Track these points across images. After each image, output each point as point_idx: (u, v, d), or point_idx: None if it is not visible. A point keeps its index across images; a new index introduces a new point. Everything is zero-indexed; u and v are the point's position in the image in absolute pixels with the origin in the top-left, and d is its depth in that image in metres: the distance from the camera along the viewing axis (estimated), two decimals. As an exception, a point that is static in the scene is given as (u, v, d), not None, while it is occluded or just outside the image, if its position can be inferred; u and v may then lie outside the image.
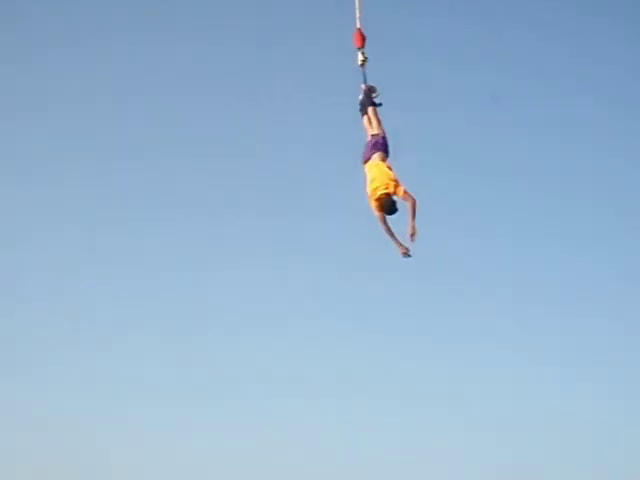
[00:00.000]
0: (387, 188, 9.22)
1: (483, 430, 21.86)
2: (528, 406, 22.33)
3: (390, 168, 9.44)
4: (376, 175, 9.33)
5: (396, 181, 9.27)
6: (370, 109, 9.91)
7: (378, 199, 9.30)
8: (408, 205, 9.18)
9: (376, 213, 9.48)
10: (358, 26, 10.51)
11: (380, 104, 10.01)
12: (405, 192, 9.21)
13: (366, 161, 9.65)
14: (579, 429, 22.04)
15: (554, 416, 21.86)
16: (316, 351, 22.67)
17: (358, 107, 10.18)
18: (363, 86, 10.21)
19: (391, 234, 9.47)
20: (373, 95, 10.16)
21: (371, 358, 22.42)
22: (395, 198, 9.32)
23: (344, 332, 22.84)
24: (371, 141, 9.66)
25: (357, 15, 10.62)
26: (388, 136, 9.66)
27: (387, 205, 9.36)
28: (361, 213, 9.71)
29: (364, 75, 10.41)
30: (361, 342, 22.73)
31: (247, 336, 23.36)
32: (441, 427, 21.98)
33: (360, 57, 10.42)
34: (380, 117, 9.88)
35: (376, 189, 9.27)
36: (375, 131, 9.72)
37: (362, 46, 10.45)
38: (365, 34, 10.54)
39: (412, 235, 9.20)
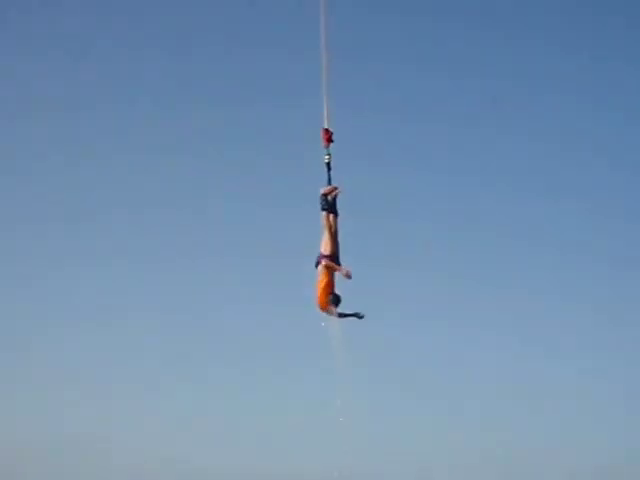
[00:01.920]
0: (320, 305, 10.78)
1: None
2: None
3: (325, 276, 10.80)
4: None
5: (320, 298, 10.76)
6: (324, 215, 11.08)
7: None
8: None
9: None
10: (325, 125, 11.56)
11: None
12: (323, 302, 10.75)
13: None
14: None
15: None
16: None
17: (320, 203, 11.30)
18: (321, 190, 11.33)
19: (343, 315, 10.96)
20: (330, 197, 11.23)
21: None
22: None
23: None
24: (318, 256, 10.91)
25: (325, 114, 11.63)
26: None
27: (335, 302, 10.83)
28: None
29: (329, 174, 11.49)
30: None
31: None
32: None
33: (325, 157, 11.49)
34: (335, 228, 11.06)
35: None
36: (322, 248, 10.84)
37: (327, 146, 11.52)
38: (332, 132, 11.61)
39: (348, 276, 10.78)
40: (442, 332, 25.93)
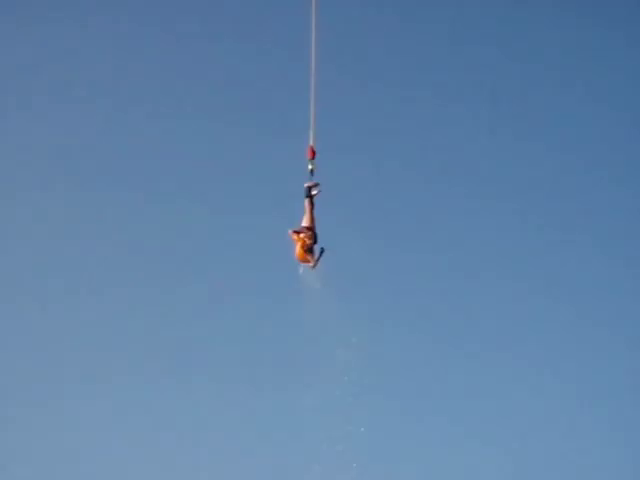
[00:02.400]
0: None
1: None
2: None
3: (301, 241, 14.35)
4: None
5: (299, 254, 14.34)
6: (307, 200, 14.84)
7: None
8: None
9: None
10: (311, 143, 15.41)
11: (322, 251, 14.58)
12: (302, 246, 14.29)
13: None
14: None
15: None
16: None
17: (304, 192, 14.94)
18: (306, 184, 15.14)
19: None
20: (313, 192, 15.03)
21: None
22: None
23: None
24: (300, 228, 14.57)
25: (311, 132, 15.47)
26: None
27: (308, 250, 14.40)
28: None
29: (311, 176, 15.29)
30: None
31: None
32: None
33: (309, 166, 15.31)
34: (313, 213, 14.74)
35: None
36: (304, 223, 14.60)
37: (312, 159, 15.36)
38: (315, 150, 15.45)
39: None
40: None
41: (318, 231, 14.63)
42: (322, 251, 14.59)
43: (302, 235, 14.37)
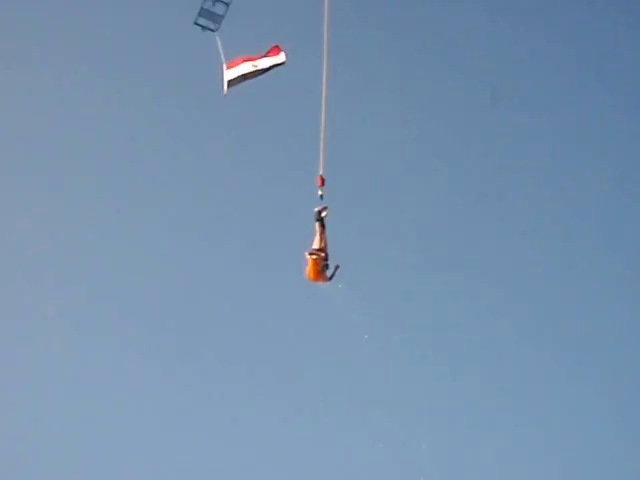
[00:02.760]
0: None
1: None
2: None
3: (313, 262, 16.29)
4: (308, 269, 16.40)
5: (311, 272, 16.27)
6: (318, 224, 16.75)
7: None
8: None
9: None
10: (320, 173, 17.31)
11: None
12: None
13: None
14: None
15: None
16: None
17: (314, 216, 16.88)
18: (316, 208, 17.02)
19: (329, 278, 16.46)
20: (322, 214, 16.94)
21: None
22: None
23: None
24: (311, 250, 16.44)
25: (321, 161, 17.35)
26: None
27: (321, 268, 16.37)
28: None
29: (320, 201, 17.19)
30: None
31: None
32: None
33: (319, 192, 17.20)
34: (324, 234, 16.65)
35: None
36: (314, 245, 16.55)
37: (321, 186, 17.25)
38: (324, 178, 17.36)
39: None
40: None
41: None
42: (337, 268, 16.46)
43: (314, 256, 16.25)
